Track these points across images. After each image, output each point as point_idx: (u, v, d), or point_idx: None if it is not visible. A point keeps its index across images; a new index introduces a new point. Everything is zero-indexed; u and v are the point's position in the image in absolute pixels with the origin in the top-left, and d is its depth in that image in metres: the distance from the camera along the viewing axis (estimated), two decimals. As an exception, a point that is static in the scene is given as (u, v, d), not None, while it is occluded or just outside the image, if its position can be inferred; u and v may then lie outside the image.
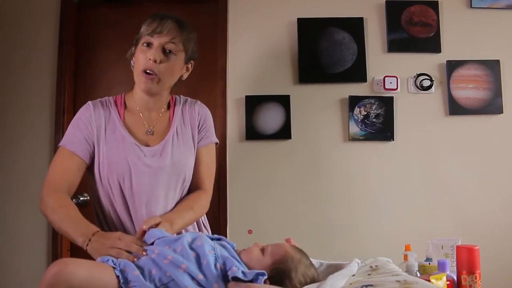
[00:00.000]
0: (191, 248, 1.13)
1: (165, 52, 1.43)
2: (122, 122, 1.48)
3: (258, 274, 1.07)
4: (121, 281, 1.04)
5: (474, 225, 2.43)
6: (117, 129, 1.46)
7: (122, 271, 1.06)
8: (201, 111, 1.59)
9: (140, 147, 1.45)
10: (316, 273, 1.21)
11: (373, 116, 2.51)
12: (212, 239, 1.22)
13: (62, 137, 2.46)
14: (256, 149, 2.52)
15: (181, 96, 1.62)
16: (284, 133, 2.51)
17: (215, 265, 1.09)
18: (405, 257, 1.61)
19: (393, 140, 2.51)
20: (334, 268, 1.27)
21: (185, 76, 1.56)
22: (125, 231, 1.42)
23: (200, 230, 1.57)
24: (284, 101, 2.52)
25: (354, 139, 2.51)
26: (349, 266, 1.22)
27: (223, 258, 1.12)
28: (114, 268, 1.07)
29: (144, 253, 1.16)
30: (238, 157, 2.52)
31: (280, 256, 1.16)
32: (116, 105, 1.52)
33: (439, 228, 2.40)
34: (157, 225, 1.28)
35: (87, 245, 1.24)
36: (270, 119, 2.51)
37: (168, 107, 1.56)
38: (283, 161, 2.52)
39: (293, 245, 1.22)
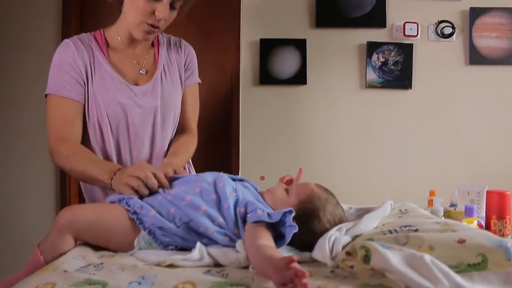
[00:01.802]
0: (211, 190, 1.08)
1: (171, 6, 1.32)
2: (107, 60, 1.38)
3: (285, 213, 1.02)
4: (137, 222, 1.00)
5: (487, 174, 2.40)
6: (103, 68, 1.36)
7: (136, 213, 1.01)
8: (187, 50, 1.52)
9: (130, 86, 1.37)
10: (343, 213, 1.17)
11: (391, 63, 2.44)
12: (234, 179, 1.16)
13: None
14: (270, 94, 2.46)
15: (163, 33, 1.51)
16: (299, 78, 2.44)
17: (235, 208, 1.04)
18: (430, 202, 1.59)
19: (411, 88, 2.45)
20: (364, 211, 1.24)
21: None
22: None
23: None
24: (300, 45, 2.44)
25: (371, 86, 2.44)
26: (383, 206, 1.19)
27: (245, 200, 1.06)
28: (128, 211, 1.02)
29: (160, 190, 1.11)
30: (251, 101, 2.47)
31: (306, 195, 1.10)
32: (98, 42, 1.40)
33: (455, 177, 2.36)
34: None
35: (111, 179, 1.18)
36: (285, 63, 2.44)
37: (152, 44, 1.47)
38: (297, 106, 2.47)
39: (318, 184, 1.17)
